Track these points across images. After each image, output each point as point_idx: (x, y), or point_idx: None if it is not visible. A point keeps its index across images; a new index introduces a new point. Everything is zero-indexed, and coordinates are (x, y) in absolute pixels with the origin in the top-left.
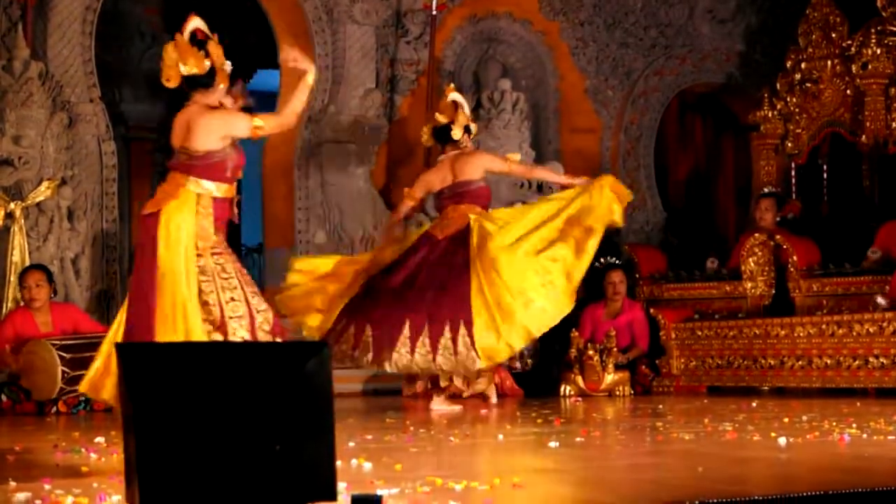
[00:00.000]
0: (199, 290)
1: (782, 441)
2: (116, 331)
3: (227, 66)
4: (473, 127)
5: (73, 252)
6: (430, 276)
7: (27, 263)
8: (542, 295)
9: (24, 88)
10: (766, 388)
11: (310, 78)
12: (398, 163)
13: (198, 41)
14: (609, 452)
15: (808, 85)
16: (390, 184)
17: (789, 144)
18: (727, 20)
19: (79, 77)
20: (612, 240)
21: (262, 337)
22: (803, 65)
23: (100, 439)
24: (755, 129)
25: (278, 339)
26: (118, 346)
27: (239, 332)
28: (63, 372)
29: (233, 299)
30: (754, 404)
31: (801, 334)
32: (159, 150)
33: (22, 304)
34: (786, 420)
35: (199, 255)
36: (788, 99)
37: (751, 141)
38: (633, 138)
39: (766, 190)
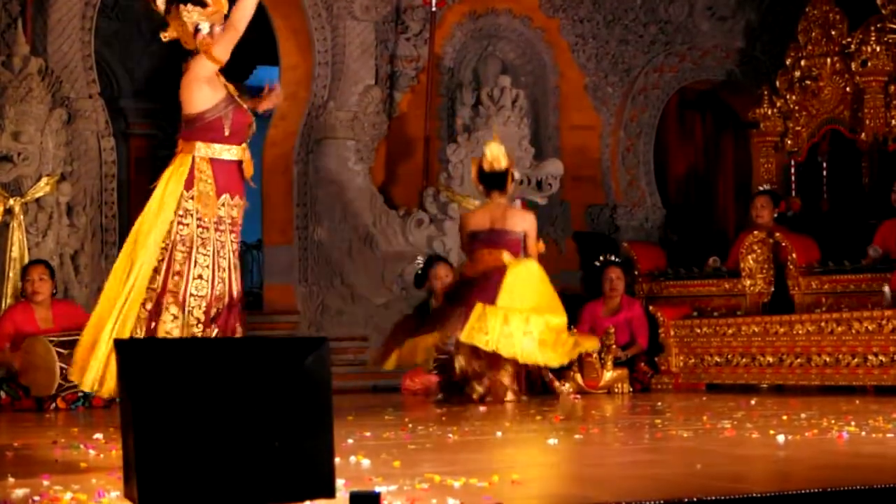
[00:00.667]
0: (169, 259)
1: (781, 439)
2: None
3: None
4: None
5: (73, 248)
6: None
7: (26, 259)
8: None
9: (23, 84)
10: (764, 385)
11: None
12: (397, 159)
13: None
14: (608, 449)
15: (808, 82)
16: (389, 181)
17: (789, 142)
18: (727, 17)
19: (78, 73)
20: (610, 237)
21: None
22: (803, 62)
23: (98, 435)
24: (755, 127)
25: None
26: (117, 342)
27: (196, 312)
28: (61, 368)
29: (200, 277)
30: (753, 402)
31: (800, 332)
32: (159, 146)
33: (22, 299)
34: (784, 418)
35: (203, 226)
36: (788, 96)
37: (750, 138)
38: (633, 135)
39: (761, 188)
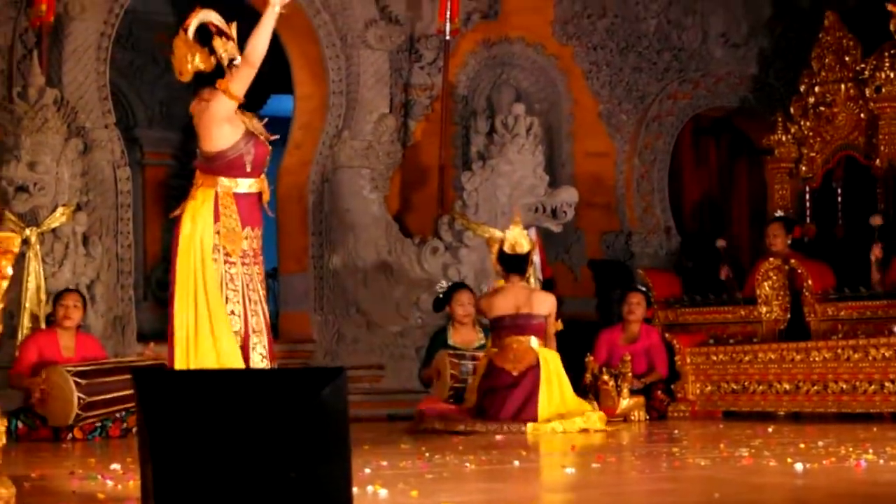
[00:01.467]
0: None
1: (799, 467)
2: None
3: (238, 60)
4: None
5: (89, 278)
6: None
7: (43, 289)
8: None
9: (39, 115)
10: (781, 413)
11: (276, 7)
12: (412, 188)
13: (209, 35)
14: (625, 478)
15: (822, 108)
16: (404, 209)
17: (803, 168)
18: (740, 44)
19: (94, 103)
20: (625, 264)
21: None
22: (817, 88)
23: (116, 466)
24: (769, 153)
25: (272, 365)
26: (134, 373)
27: (258, 349)
28: (79, 398)
29: (233, 313)
30: (770, 429)
31: (817, 359)
32: (175, 176)
33: (44, 327)
34: (802, 445)
35: (230, 262)
36: (802, 123)
37: (765, 164)
38: (648, 162)
39: (774, 215)
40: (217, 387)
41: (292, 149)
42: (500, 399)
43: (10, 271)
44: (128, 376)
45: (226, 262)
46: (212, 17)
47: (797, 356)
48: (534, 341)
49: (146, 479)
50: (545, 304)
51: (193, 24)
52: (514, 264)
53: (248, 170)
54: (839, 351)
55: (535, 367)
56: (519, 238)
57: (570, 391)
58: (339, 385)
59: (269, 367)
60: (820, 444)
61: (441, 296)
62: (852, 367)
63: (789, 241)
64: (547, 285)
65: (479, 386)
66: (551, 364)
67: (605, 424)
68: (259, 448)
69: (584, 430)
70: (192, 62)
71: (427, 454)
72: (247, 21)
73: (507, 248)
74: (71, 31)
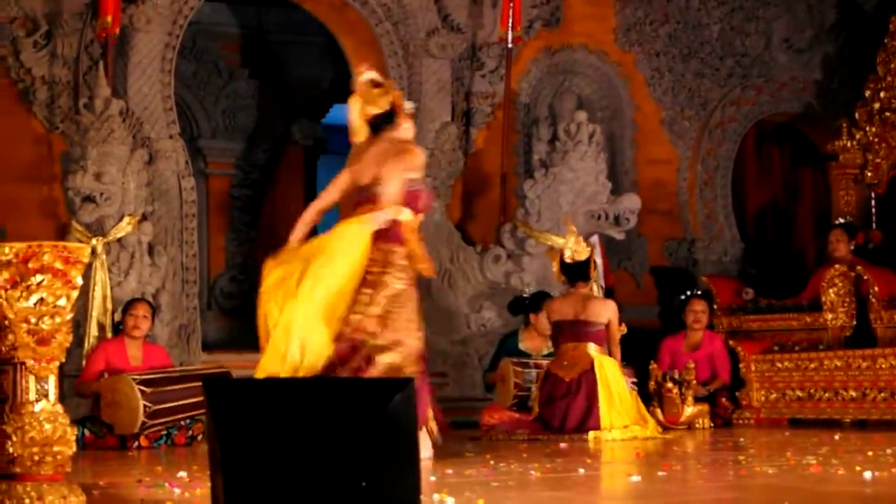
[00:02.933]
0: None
1: (867, 475)
2: None
3: (409, 105)
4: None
5: (154, 287)
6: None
7: (109, 299)
8: None
9: (105, 126)
10: (847, 420)
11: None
12: (474, 196)
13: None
14: (691, 487)
15: (888, 114)
16: (466, 217)
17: (868, 174)
18: (804, 49)
19: (158, 114)
20: (688, 271)
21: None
22: (882, 94)
23: (182, 474)
24: (834, 159)
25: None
26: (204, 381)
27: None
28: (144, 406)
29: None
30: (837, 437)
31: (884, 366)
32: (238, 185)
33: (114, 336)
34: (870, 453)
35: (409, 286)
36: (867, 128)
37: (829, 171)
38: (710, 169)
39: (837, 221)
40: (287, 396)
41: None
42: (559, 409)
43: (79, 281)
44: (192, 384)
45: (408, 284)
46: (375, 75)
47: (863, 363)
48: (591, 347)
49: (216, 488)
50: (604, 312)
51: (365, 77)
52: (576, 272)
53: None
54: None
55: (589, 373)
56: (576, 246)
57: (628, 396)
58: (408, 394)
59: None
60: (888, 451)
61: (527, 301)
62: None
63: (852, 248)
64: (607, 293)
65: (539, 395)
66: (607, 369)
67: (659, 433)
68: (329, 457)
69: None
70: (373, 105)
71: (492, 462)
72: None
73: (567, 258)
74: (136, 42)
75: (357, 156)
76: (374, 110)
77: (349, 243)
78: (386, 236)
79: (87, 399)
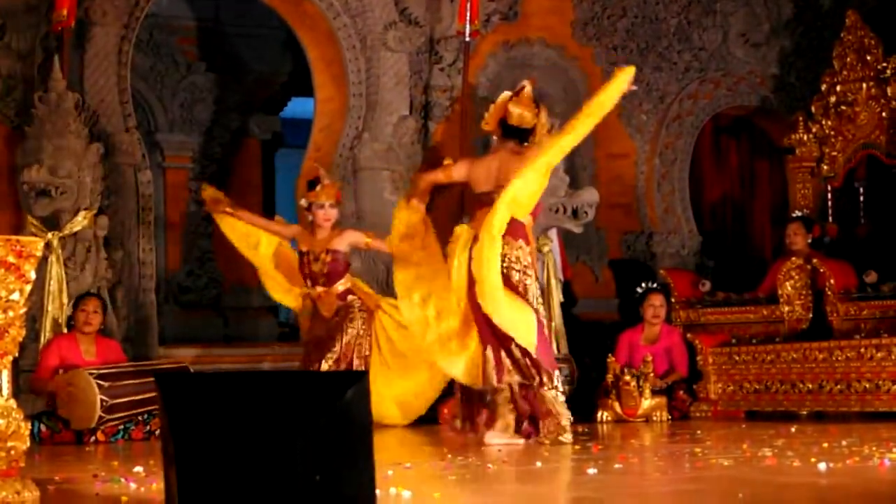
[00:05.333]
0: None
1: (822, 466)
2: None
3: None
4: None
5: (110, 282)
6: None
7: (64, 294)
8: None
9: (60, 119)
10: (804, 412)
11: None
12: (433, 190)
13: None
14: (648, 479)
15: (844, 108)
16: (426, 210)
17: (825, 167)
18: (761, 44)
19: (115, 107)
20: (646, 264)
21: None
22: (838, 87)
23: (139, 469)
24: (790, 152)
25: None
26: (157, 376)
27: None
28: (101, 401)
29: None
30: (793, 429)
31: (840, 358)
32: (195, 179)
33: (66, 331)
34: (825, 445)
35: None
36: (823, 122)
37: (786, 164)
38: (668, 162)
39: (793, 214)
40: (240, 389)
41: (312, 151)
42: None
43: (33, 275)
44: (150, 379)
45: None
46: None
47: (820, 355)
48: None
49: (170, 481)
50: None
51: (529, 89)
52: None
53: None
54: (862, 350)
55: None
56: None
57: None
58: (362, 388)
59: None
60: (843, 443)
61: None
62: (875, 365)
63: (809, 241)
64: (565, 287)
65: None
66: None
67: None
68: (283, 451)
69: None
70: (525, 112)
71: (449, 456)
72: None
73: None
74: (92, 35)
75: (480, 162)
76: (524, 122)
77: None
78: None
79: (42, 396)
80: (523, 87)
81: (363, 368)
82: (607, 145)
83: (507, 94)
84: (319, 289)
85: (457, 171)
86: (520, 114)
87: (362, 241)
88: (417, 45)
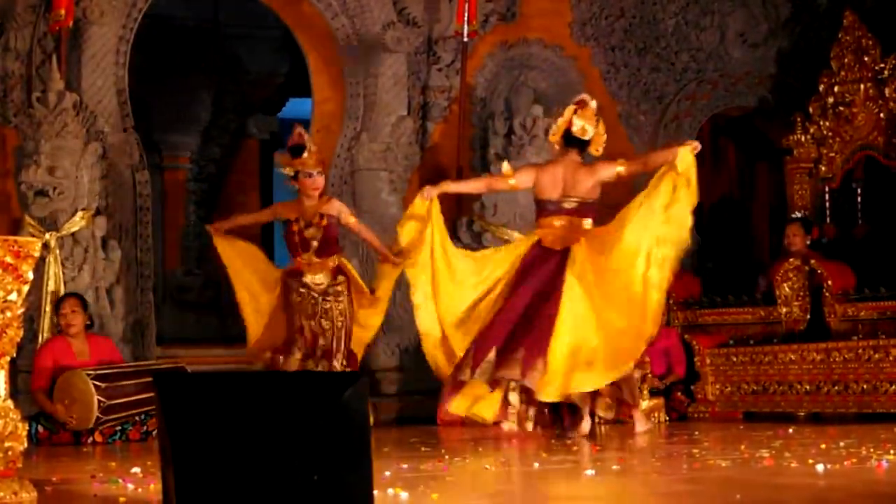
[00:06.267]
0: None
1: (820, 468)
2: None
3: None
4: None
5: (108, 282)
6: None
7: (62, 293)
8: None
9: (58, 119)
10: (802, 413)
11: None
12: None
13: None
14: (646, 480)
15: (841, 108)
16: None
17: (823, 168)
18: (759, 44)
19: (112, 107)
20: None
21: None
22: (836, 88)
23: (136, 469)
24: (788, 153)
25: None
26: (155, 376)
27: None
28: (99, 402)
29: None
30: (791, 430)
31: (837, 359)
32: (193, 179)
33: (58, 332)
34: (823, 446)
35: None
36: (821, 123)
37: (784, 165)
38: None
39: (792, 215)
40: (238, 390)
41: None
42: None
43: (30, 276)
44: (147, 379)
45: None
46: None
47: (817, 356)
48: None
49: (167, 482)
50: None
51: (592, 104)
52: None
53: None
54: (859, 351)
55: None
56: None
57: None
58: (361, 388)
59: None
60: (841, 444)
61: None
62: (873, 367)
63: (808, 242)
64: None
65: None
66: None
67: None
68: (280, 451)
69: None
70: (588, 124)
71: (447, 457)
72: None
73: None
74: (90, 35)
75: (545, 170)
76: (585, 134)
77: None
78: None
79: (45, 410)
80: (586, 101)
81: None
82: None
83: (572, 106)
84: (315, 259)
85: (521, 180)
86: (582, 126)
87: (350, 217)
88: (415, 45)
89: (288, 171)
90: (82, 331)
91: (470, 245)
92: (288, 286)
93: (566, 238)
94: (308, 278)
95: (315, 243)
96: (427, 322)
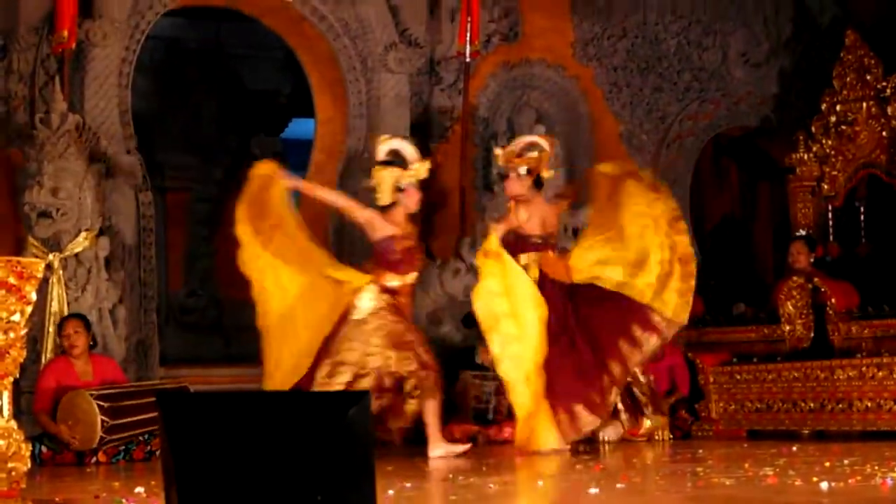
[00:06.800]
0: None
1: (824, 486)
2: None
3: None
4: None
5: (111, 302)
6: None
7: (66, 314)
8: None
9: (61, 141)
10: (806, 431)
11: None
12: (433, 209)
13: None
14: (650, 498)
15: (844, 127)
16: (426, 231)
17: (825, 187)
18: (761, 63)
19: (115, 128)
20: None
21: None
22: (838, 107)
23: (140, 489)
24: (791, 172)
25: None
26: (158, 396)
27: None
28: (102, 421)
29: None
30: (795, 448)
31: (841, 377)
32: (196, 200)
33: (61, 353)
34: (827, 464)
35: None
36: (824, 141)
37: (787, 184)
38: (669, 182)
39: (797, 233)
40: (241, 409)
41: (314, 172)
42: None
43: (34, 296)
44: (151, 399)
45: None
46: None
47: (821, 374)
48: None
49: (171, 502)
50: None
51: None
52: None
53: None
54: (863, 369)
55: None
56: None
57: None
58: (364, 407)
59: None
60: (845, 462)
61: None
62: (877, 384)
63: (812, 260)
64: None
65: None
66: None
67: None
68: (284, 471)
69: None
70: None
71: (450, 476)
72: None
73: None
74: (93, 57)
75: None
76: (546, 174)
77: None
78: None
79: (48, 431)
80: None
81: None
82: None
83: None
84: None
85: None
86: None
87: None
88: (418, 65)
89: (402, 182)
90: (86, 351)
91: (473, 265)
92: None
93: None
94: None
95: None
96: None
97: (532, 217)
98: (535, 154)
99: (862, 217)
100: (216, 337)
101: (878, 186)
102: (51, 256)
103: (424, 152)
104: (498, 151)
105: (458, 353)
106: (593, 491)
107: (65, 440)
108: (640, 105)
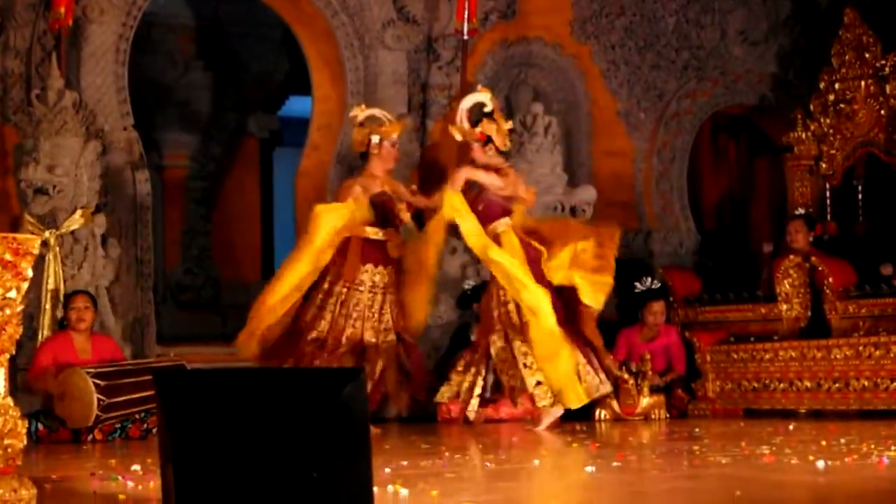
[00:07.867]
0: None
1: (820, 464)
2: None
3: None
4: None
5: (108, 280)
6: None
7: (62, 291)
8: None
9: (57, 118)
10: (802, 410)
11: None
12: (430, 188)
13: None
14: (646, 477)
15: (842, 105)
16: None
17: (823, 165)
18: (759, 42)
19: (112, 105)
20: (644, 263)
21: None
22: (837, 85)
23: (136, 467)
24: (789, 151)
25: None
26: (155, 374)
27: None
28: (98, 399)
29: None
30: (791, 427)
31: (838, 356)
32: (193, 177)
33: (61, 329)
34: (823, 443)
35: None
36: (822, 120)
37: (785, 162)
38: (667, 161)
39: (795, 212)
40: (238, 387)
41: (310, 150)
42: None
43: (30, 273)
44: (147, 377)
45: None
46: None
47: (818, 353)
48: None
49: (167, 479)
50: None
51: None
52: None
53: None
54: (860, 348)
55: None
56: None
57: None
58: (359, 384)
59: None
60: (842, 441)
61: (469, 293)
62: (874, 364)
63: (810, 239)
64: None
65: None
66: None
67: None
68: (280, 448)
69: None
70: None
71: (447, 453)
72: None
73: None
74: (89, 34)
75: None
76: (502, 133)
77: None
78: None
79: (38, 394)
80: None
81: None
82: (605, 143)
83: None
84: None
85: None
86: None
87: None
88: (415, 43)
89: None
90: (89, 328)
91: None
92: None
93: None
94: None
95: None
96: None
97: (507, 183)
98: (487, 123)
99: (860, 196)
100: (213, 315)
101: (876, 165)
102: (47, 233)
103: (420, 129)
104: (451, 129)
105: (455, 332)
106: (589, 469)
107: (57, 397)
108: (638, 83)
